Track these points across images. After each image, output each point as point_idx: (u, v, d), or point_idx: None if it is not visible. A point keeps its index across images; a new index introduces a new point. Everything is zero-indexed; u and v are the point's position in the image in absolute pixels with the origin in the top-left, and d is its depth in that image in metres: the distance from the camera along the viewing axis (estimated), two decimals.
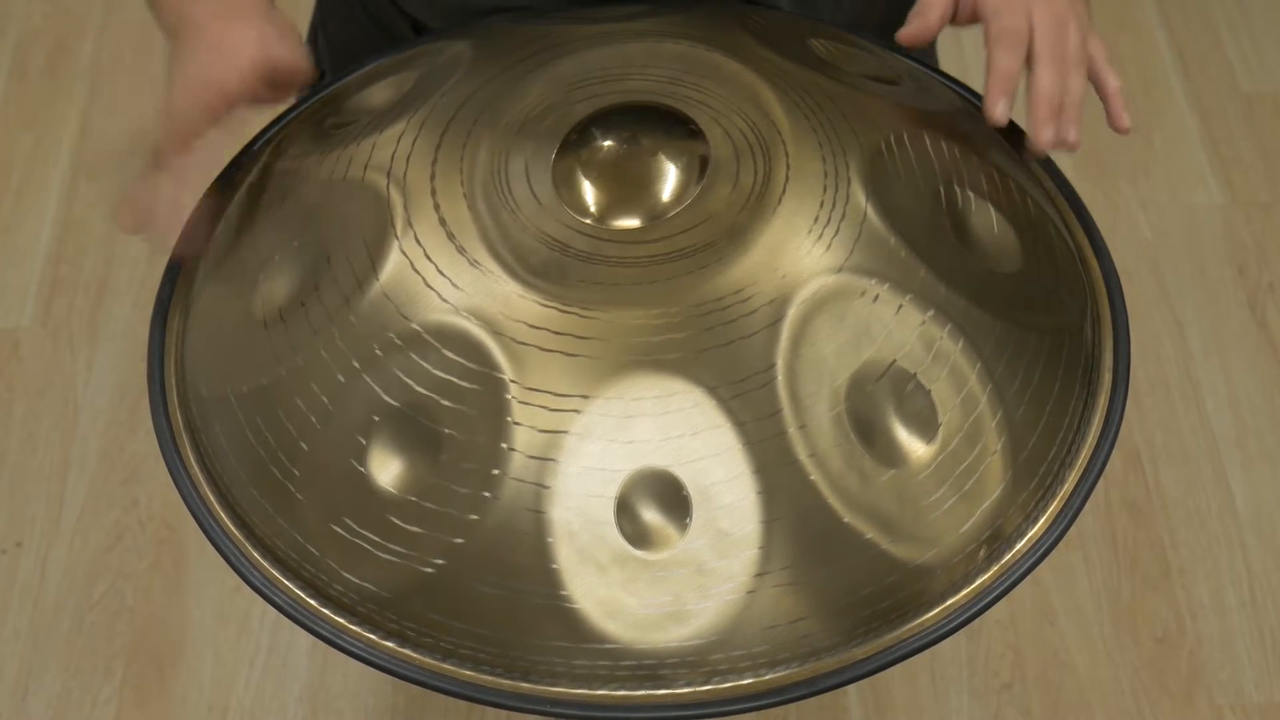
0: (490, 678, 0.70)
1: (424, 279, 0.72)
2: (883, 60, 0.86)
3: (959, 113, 0.84)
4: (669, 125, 0.76)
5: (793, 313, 0.70)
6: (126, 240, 1.76)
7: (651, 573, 0.68)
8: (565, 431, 0.69)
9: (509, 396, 0.69)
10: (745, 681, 0.70)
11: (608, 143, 0.76)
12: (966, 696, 1.46)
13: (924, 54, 1.03)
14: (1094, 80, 0.81)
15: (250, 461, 0.74)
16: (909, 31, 0.81)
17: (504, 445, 0.69)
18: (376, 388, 0.71)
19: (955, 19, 0.81)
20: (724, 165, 0.75)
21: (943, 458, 0.71)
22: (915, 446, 0.71)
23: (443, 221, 0.73)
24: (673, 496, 0.69)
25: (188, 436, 0.77)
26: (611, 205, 0.75)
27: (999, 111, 0.78)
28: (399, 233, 0.73)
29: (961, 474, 0.72)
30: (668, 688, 0.70)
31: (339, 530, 0.71)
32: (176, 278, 0.83)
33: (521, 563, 0.68)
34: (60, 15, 1.98)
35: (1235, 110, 1.90)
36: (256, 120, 0.84)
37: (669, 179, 0.75)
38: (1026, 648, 1.49)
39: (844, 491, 0.69)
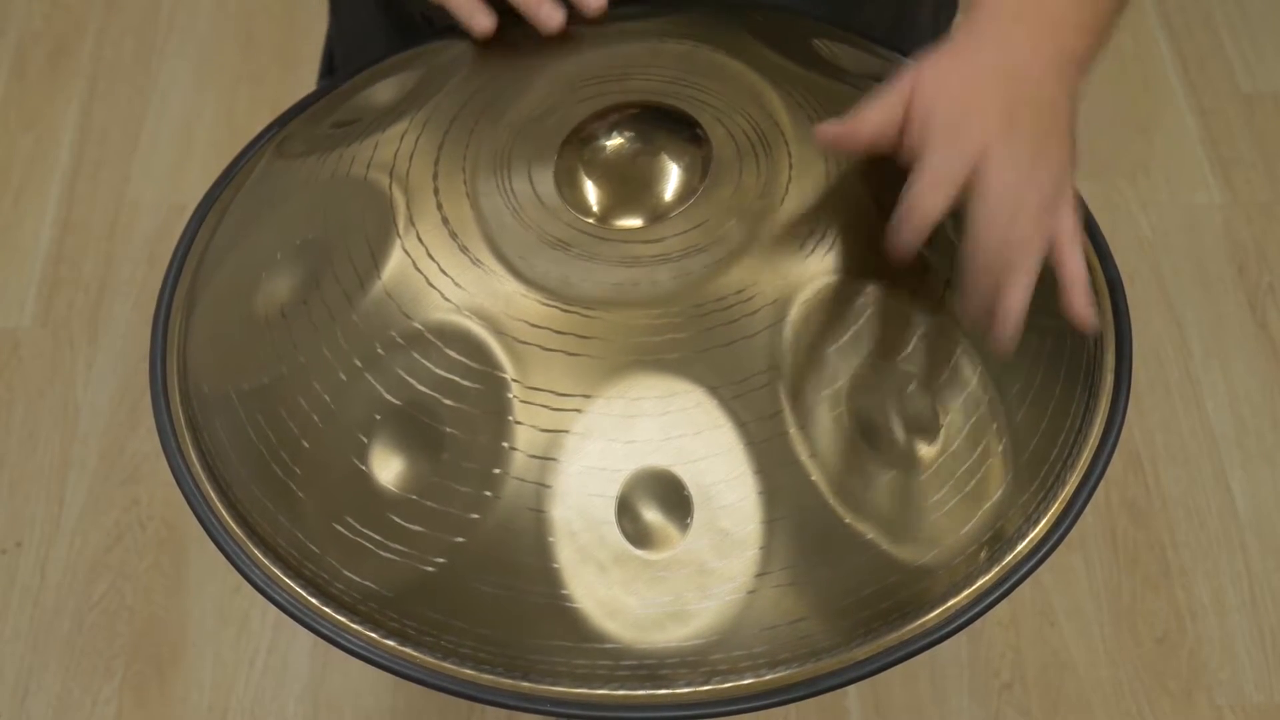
0: (491, 677, 0.70)
1: (426, 278, 0.72)
2: (885, 60, 0.86)
3: None
4: (671, 125, 0.76)
5: (794, 313, 0.70)
6: (126, 240, 1.77)
7: (652, 572, 0.68)
8: (566, 431, 0.69)
9: (511, 395, 0.69)
10: (745, 682, 0.70)
11: (610, 142, 0.76)
12: (966, 696, 1.46)
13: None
14: (1054, 264, 0.67)
15: (252, 459, 0.74)
16: (828, 130, 0.68)
17: (505, 444, 0.69)
18: (378, 386, 0.71)
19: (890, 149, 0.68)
20: (727, 165, 0.75)
21: (944, 459, 0.71)
22: (917, 448, 0.71)
23: (445, 220, 0.73)
24: (674, 496, 0.69)
25: (189, 434, 0.77)
26: (614, 205, 0.75)
27: (901, 246, 0.66)
28: (401, 231, 0.73)
29: (963, 475, 0.72)
30: (668, 687, 0.70)
31: (340, 529, 0.71)
32: (177, 277, 0.83)
33: (522, 562, 0.68)
34: (60, 15, 1.98)
35: (1235, 110, 1.90)
36: (258, 118, 0.84)
37: (671, 179, 0.75)
38: (1026, 648, 1.49)
39: (845, 492, 0.69)
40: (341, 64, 1.08)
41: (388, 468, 0.71)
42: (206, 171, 1.81)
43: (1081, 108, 0.71)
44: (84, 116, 1.88)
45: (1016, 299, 0.64)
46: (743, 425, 0.69)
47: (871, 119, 0.67)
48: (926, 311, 0.72)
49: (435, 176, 0.75)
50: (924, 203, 0.65)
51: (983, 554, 0.72)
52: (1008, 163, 0.65)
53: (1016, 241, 0.65)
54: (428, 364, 0.70)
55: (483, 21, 0.78)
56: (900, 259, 0.67)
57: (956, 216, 0.77)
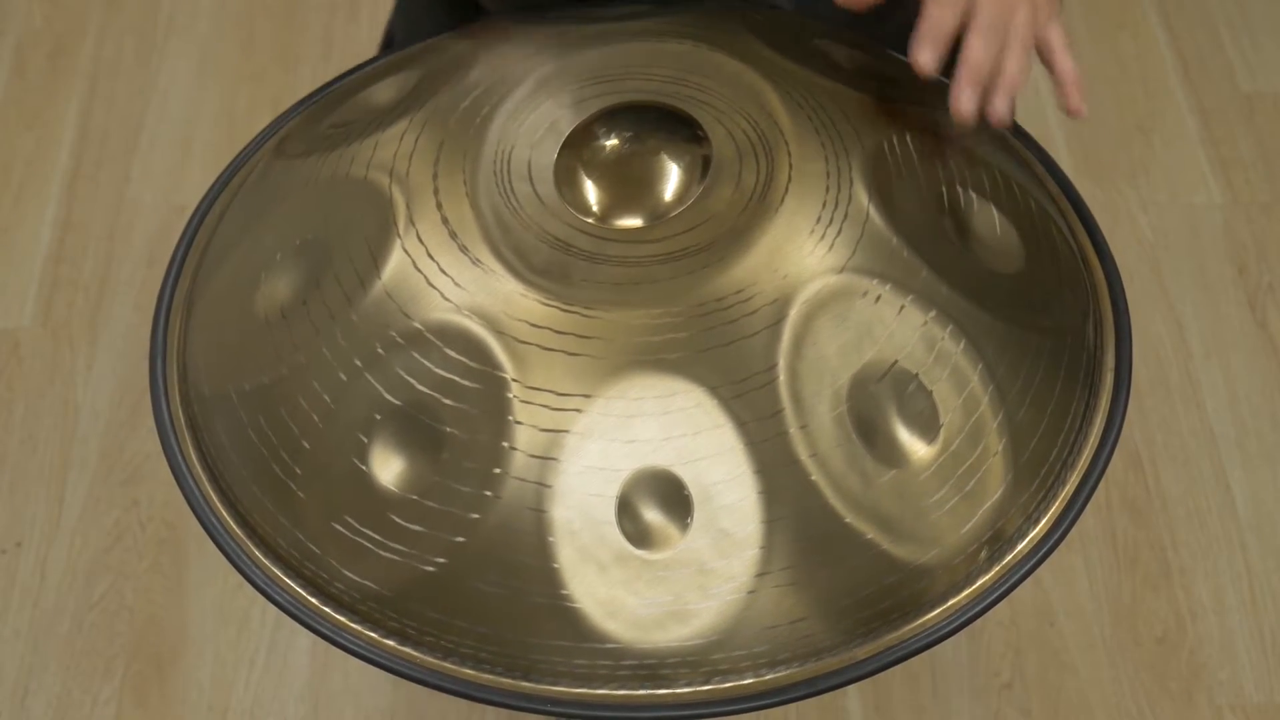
0: (491, 676, 0.70)
1: (426, 278, 0.72)
2: (885, 60, 0.86)
3: None
4: (671, 125, 0.77)
5: (794, 313, 0.70)
6: (126, 240, 1.76)
7: (652, 572, 0.68)
8: (567, 430, 0.69)
9: (511, 395, 0.69)
10: (746, 681, 0.70)
11: (610, 142, 0.76)
12: (966, 696, 1.46)
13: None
14: (1047, 65, 0.78)
15: (252, 460, 0.74)
16: None
17: (505, 444, 0.69)
18: (378, 386, 0.71)
19: None
20: (726, 165, 0.75)
21: (944, 458, 0.71)
22: (917, 447, 0.71)
23: (445, 220, 0.73)
24: (674, 496, 0.69)
25: (189, 434, 0.77)
26: (614, 205, 0.75)
27: (922, 58, 0.75)
28: (401, 231, 0.73)
29: (963, 475, 0.72)
30: (668, 687, 0.70)
31: (340, 529, 0.71)
32: (177, 277, 0.83)
33: (522, 562, 0.69)
34: (60, 15, 1.98)
35: (1235, 110, 1.90)
36: (258, 118, 0.84)
37: (671, 179, 0.75)
38: (1026, 648, 1.49)
39: (845, 492, 0.69)
40: (401, 43, 1.09)
41: (388, 468, 0.71)
42: (206, 171, 1.81)
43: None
44: (84, 116, 1.88)
45: (1015, 68, 0.76)
46: (743, 425, 0.69)
47: None
48: (925, 306, 0.72)
49: (435, 176, 0.75)
50: (939, 11, 0.75)
51: (983, 554, 0.72)
52: None
53: (1015, 39, 0.75)
54: (428, 364, 0.70)
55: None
56: (925, 74, 0.76)
57: (956, 217, 0.77)
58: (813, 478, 0.69)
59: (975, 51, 0.75)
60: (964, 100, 0.75)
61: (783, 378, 0.69)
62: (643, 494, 0.69)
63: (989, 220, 0.77)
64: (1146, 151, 1.86)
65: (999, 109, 0.76)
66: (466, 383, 0.70)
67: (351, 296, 0.73)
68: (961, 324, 0.73)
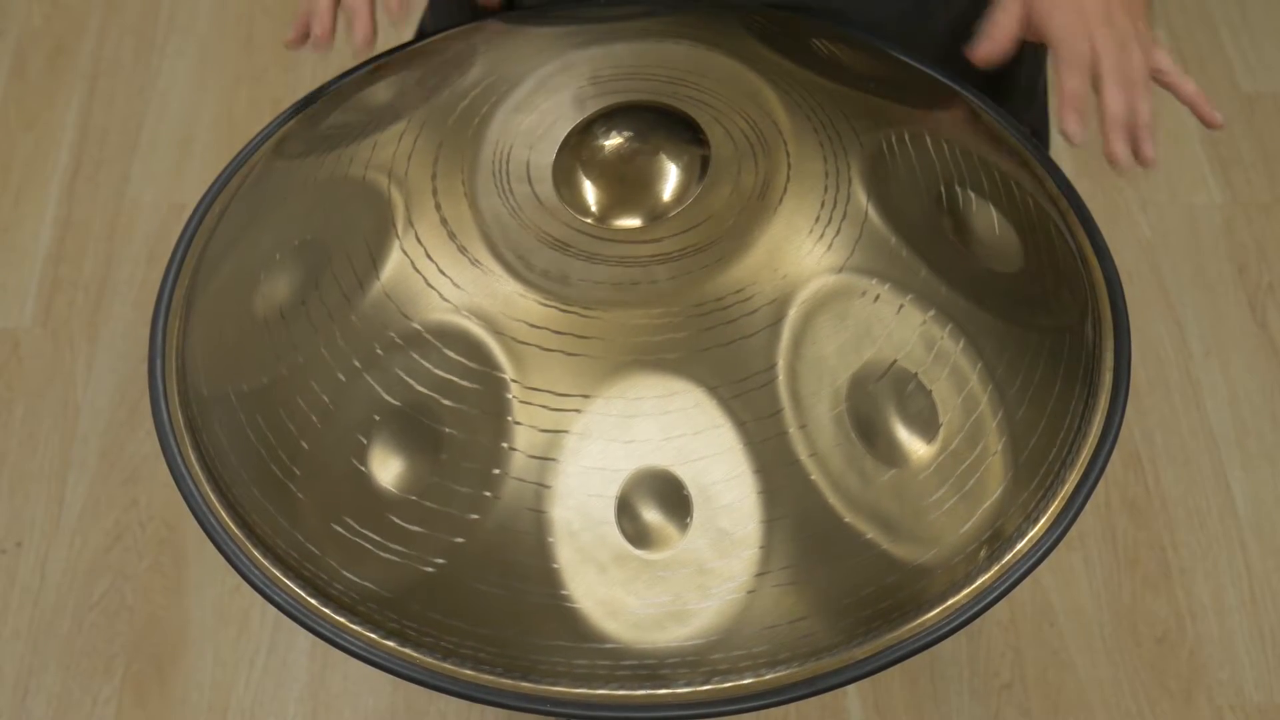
0: (490, 677, 0.70)
1: (425, 278, 0.72)
2: (884, 60, 0.86)
3: (960, 112, 0.85)
4: (670, 125, 0.76)
5: (794, 312, 0.70)
6: (126, 240, 1.77)
7: (652, 572, 0.68)
8: (566, 431, 0.69)
9: (510, 396, 0.69)
10: (745, 681, 0.70)
11: (609, 142, 0.76)
12: (966, 696, 1.46)
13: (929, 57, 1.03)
14: (1170, 90, 0.82)
15: (251, 460, 0.74)
16: (982, 51, 0.82)
17: (505, 444, 0.69)
18: (377, 387, 0.71)
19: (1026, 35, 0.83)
20: (725, 165, 0.75)
21: (943, 458, 0.71)
22: (916, 446, 0.71)
23: (444, 221, 0.73)
24: (673, 496, 0.69)
25: (188, 435, 0.77)
26: (612, 205, 0.75)
27: (1071, 128, 0.79)
28: (400, 232, 0.73)
29: (962, 474, 0.72)
30: (668, 687, 0.70)
31: (339, 529, 0.71)
32: (176, 277, 0.83)
33: (522, 562, 0.68)
34: (60, 15, 1.98)
35: (1235, 110, 1.90)
36: (258, 118, 0.84)
37: (670, 179, 0.75)
38: (1026, 648, 1.49)
39: (845, 491, 0.69)
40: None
41: (387, 468, 0.71)
42: (206, 171, 1.81)
43: None
44: (84, 116, 1.88)
45: (1146, 109, 0.80)
46: (742, 425, 0.69)
47: (1005, 32, 0.82)
48: (924, 306, 0.72)
49: (434, 177, 0.75)
50: (1074, 81, 0.80)
51: (982, 553, 0.72)
52: (1113, 36, 0.80)
53: (1138, 82, 0.80)
54: (426, 364, 0.70)
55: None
56: (1077, 143, 0.79)
57: (956, 216, 0.77)
58: (812, 477, 0.69)
59: (1114, 105, 0.79)
60: (1120, 152, 0.79)
61: (782, 377, 0.69)
62: (642, 494, 0.69)
63: (988, 220, 0.77)
64: None
65: (1147, 153, 0.80)
66: (465, 383, 0.70)
67: (350, 297, 0.73)
68: (960, 323, 0.73)
